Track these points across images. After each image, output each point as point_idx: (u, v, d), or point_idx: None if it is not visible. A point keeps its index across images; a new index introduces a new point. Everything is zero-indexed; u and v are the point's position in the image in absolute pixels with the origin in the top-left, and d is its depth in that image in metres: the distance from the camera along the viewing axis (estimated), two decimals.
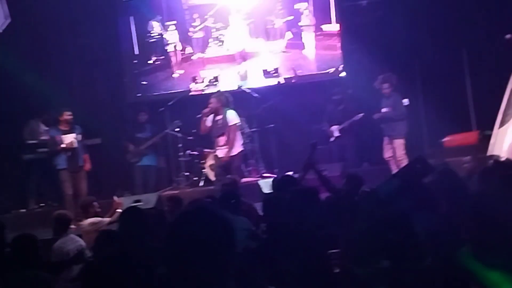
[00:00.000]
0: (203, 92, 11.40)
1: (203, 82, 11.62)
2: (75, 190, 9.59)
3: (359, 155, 10.88)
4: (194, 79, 11.65)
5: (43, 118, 10.29)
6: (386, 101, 9.90)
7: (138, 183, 10.61)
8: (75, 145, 9.63)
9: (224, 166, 9.20)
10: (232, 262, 1.90)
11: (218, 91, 9.95)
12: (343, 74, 11.36)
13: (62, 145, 9.52)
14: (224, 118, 9.14)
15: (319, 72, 11.57)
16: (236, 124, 9.26)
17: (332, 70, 11.45)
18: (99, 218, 7.34)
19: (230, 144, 9.16)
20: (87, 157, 9.89)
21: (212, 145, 9.62)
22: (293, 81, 11.35)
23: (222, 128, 9.16)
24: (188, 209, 1.98)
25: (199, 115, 9.39)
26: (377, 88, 9.88)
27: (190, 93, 11.47)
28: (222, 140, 9.20)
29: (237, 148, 9.30)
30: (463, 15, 10.76)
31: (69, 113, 9.71)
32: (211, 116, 9.19)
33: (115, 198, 8.01)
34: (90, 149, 10.33)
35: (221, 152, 9.26)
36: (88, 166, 9.89)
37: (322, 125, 10.73)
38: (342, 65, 11.36)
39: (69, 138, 9.58)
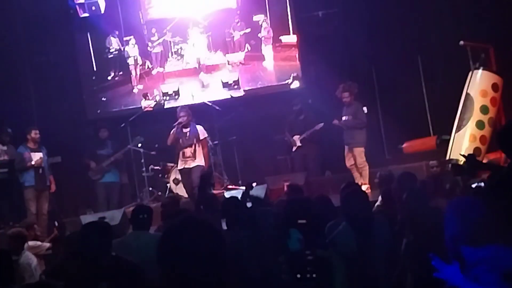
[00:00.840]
0: (166, 107, 11.40)
1: (154, 99, 11.62)
2: (38, 209, 9.54)
3: (321, 164, 11.00)
4: (145, 96, 11.66)
5: (1, 138, 10.13)
6: (347, 109, 10.03)
7: (101, 200, 10.52)
8: (43, 164, 9.61)
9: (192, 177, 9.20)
10: (224, 272, 1.91)
11: (182, 106, 9.92)
12: (296, 85, 11.46)
13: (31, 163, 9.53)
14: (193, 131, 9.29)
15: (278, 84, 11.68)
16: (206, 137, 9.52)
17: (290, 81, 11.58)
18: (39, 242, 7.25)
19: (204, 155, 9.38)
20: (52, 178, 9.86)
21: (174, 158, 9.62)
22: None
23: (189, 140, 9.30)
24: (178, 220, 1.99)
25: (174, 126, 9.30)
26: (338, 97, 10.01)
27: (144, 110, 11.42)
28: (188, 151, 9.31)
29: (206, 161, 9.48)
30: (418, 23, 11.02)
31: (36, 131, 9.69)
32: (178, 129, 9.27)
33: (56, 223, 7.91)
34: (51, 168, 10.23)
35: (189, 163, 9.27)
36: (53, 187, 9.86)
37: (283, 136, 10.82)
38: (293, 75, 11.48)
39: (37, 156, 9.58)
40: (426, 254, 2.73)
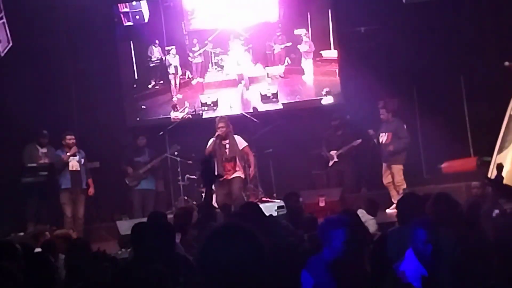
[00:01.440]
0: (204, 117, 11.45)
1: (183, 110, 11.69)
2: (73, 213, 9.72)
3: (357, 181, 10.92)
4: (174, 107, 11.74)
5: (39, 141, 10.34)
6: (386, 126, 9.97)
7: (136, 207, 10.62)
8: (78, 168, 9.80)
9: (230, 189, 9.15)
10: (264, 279, 1.90)
11: (221, 116, 9.92)
12: (328, 100, 11.40)
13: (69, 166, 9.79)
14: (233, 143, 9.18)
15: (316, 98, 11.64)
16: (247, 146, 9.42)
17: (323, 95, 11.52)
18: None
19: (252, 164, 9.42)
20: (91, 181, 10.08)
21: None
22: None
23: (231, 152, 9.18)
24: (221, 226, 1.98)
25: (213, 137, 9.27)
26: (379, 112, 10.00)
27: (172, 121, 11.48)
28: (229, 165, 9.18)
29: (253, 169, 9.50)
30: (461, 42, 10.88)
31: (70, 136, 9.89)
32: (215, 140, 9.16)
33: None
34: (90, 172, 10.39)
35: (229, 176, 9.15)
36: (91, 190, 10.08)
37: (320, 150, 10.77)
38: (326, 90, 11.43)
39: (73, 160, 9.77)
40: None
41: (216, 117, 9.78)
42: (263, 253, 1.93)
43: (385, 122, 9.93)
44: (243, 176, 9.29)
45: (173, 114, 11.74)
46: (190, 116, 11.56)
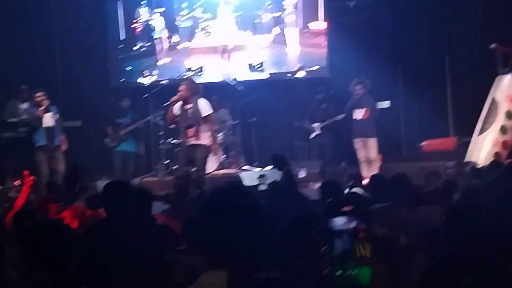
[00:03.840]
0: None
1: (150, 76, 11.62)
2: (51, 171, 9.63)
3: (338, 154, 11.00)
4: (141, 73, 11.65)
5: (19, 96, 10.22)
6: (361, 102, 10.02)
7: (116, 168, 10.59)
8: (52, 124, 9.67)
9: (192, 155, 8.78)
10: (263, 241, 1.95)
11: (188, 78, 9.66)
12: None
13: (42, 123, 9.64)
14: (196, 108, 8.68)
15: (303, 70, 11.65)
16: (210, 114, 8.85)
17: (316, 68, 11.54)
18: None
19: (212, 133, 8.85)
20: (63, 137, 9.93)
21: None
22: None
23: (192, 118, 8.69)
24: (222, 185, 2.02)
25: (167, 103, 9.06)
26: (350, 91, 10.05)
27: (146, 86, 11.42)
28: (191, 131, 8.69)
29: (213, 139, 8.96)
30: (449, 23, 10.95)
31: (39, 94, 9.73)
32: (179, 104, 8.73)
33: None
34: (70, 131, 10.32)
35: (191, 142, 8.77)
36: (64, 146, 9.92)
37: (303, 122, 10.83)
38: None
39: (46, 117, 9.64)
40: None
41: (185, 80, 9.34)
42: (262, 212, 1.98)
43: (360, 98, 9.99)
44: (208, 143, 8.77)
45: (140, 80, 11.65)
46: (163, 82, 11.38)
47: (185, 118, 8.73)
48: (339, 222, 2.00)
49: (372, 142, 10.00)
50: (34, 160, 9.69)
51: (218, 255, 1.91)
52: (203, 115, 8.69)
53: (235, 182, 2.59)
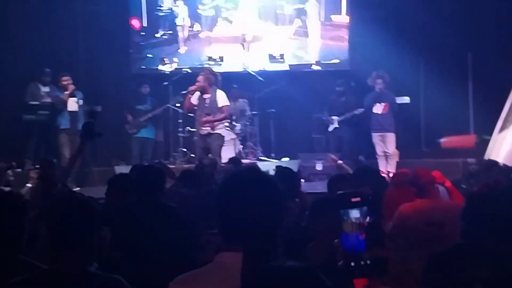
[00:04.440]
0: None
1: (170, 64, 11.63)
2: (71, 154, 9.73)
3: (356, 148, 10.96)
4: (162, 60, 11.66)
5: (42, 80, 10.32)
6: (381, 97, 10.02)
7: (134, 154, 10.64)
8: (76, 108, 9.78)
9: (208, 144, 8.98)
10: (280, 224, 1.95)
11: (207, 68, 9.71)
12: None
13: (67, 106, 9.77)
14: (213, 98, 8.87)
15: (324, 62, 11.62)
16: (227, 105, 9.03)
17: (337, 61, 11.51)
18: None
19: (215, 124, 8.95)
20: None
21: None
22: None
23: (209, 108, 8.85)
24: (240, 169, 2.04)
25: (185, 91, 9.17)
26: (369, 85, 10.03)
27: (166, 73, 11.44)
28: (207, 120, 8.88)
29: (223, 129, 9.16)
30: (473, 19, 10.83)
31: (66, 78, 9.86)
32: (197, 94, 8.89)
33: None
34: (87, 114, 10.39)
35: (207, 130, 8.95)
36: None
37: (322, 115, 10.80)
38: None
39: (71, 101, 9.74)
40: None
41: (204, 70, 9.41)
42: (280, 196, 1.97)
43: (380, 93, 9.97)
44: (223, 133, 9.06)
45: (160, 67, 11.67)
46: (185, 70, 11.38)
47: (202, 108, 8.87)
48: (353, 214, 1.98)
49: (391, 137, 9.99)
50: (57, 141, 9.83)
51: (234, 236, 1.92)
52: (219, 105, 8.85)
53: (255, 166, 2.62)
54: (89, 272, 2.50)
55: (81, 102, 9.98)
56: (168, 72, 11.52)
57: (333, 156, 9.24)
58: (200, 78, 8.85)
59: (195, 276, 1.96)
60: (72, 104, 9.86)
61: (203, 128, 8.91)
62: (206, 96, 8.85)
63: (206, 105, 8.84)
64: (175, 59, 11.75)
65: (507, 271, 2.63)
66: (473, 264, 2.28)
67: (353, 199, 2.03)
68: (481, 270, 2.46)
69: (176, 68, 11.62)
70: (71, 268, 2.46)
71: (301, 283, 1.39)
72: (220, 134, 9.00)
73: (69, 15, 11.50)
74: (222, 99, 8.90)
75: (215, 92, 8.89)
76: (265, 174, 2.01)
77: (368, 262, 1.77)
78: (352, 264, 1.82)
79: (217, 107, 8.85)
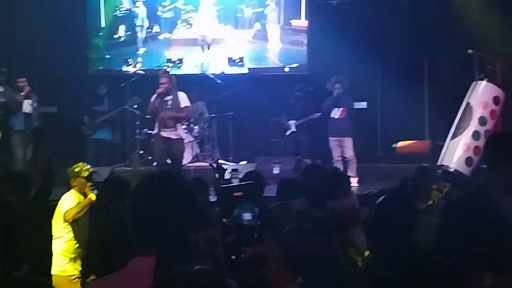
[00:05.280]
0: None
1: (135, 65, 11.57)
2: (25, 155, 9.57)
3: (314, 152, 11.03)
4: (126, 61, 11.59)
5: None
6: (339, 101, 10.08)
7: (90, 156, 10.53)
8: (31, 110, 9.63)
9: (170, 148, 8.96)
10: (194, 227, 1.98)
11: (165, 70, 9.67)
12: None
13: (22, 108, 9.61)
14: (175, 99, 8.86)
15: (282, 66, 11.68)
16: (188, 106, 9.07)
17: (296, 65, 11.57)
18: None
19: (178, 126, 8.97)
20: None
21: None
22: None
23: (172, 109, 8.83)
24: (152, 173, 2.04)
25: (155, 93, 9.03)
26: (328, 90, 10.10)
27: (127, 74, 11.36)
28: (170, 122, 8.84)
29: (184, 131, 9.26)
30: (429, 27, 11.01)
31: (22, 79, 9.71)
32: (160, 96, 8.84)
33: None
34: (45, 117, 10.24)
35: (170, 134, 8.91)
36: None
37: (280, 118, 10.84)
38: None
39: (26, 103, 9.60)
40: None
41: (162, 72, 9.33)
42: (193, 201, 2.00)
43: (338, 98, 10.05)
44: (184, 136, 9.16)
45: (125, 68, 11.59)
46: (141, 72, 11.34)
47: (164, 109, 8.84)
48: (245, 217, 2.13)
49: (348, 141, 10.06)
50: (10, 142, 9.65)
51: (146, 240, 1.92)
52: (182, 106, 8.88)
53: (170, 170, 2.65)
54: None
55: (35, 104, 9.82)
56: (127, 73, 11.41)
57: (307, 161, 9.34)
58: (164, 80, 8.82)
59: (107, 282, 1.95)
60: (27, 106, 9.69)
61: (165, 130, 8.87)
62: (168, 97, 8.85)
63: (168, 106, 8.83)
64: (139, 59, 11.65)
65: None
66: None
67: (235, 194, 2.14)
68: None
69: (139, 69, 11.53)
70: None
71: (207, 287, 1.40)
72: (181, 138, 9.01)
73: (26, 15, 11.31)
74: (184, 100, 8.96)
75: (176, 93, 8.92)
76: (179, 178, 2.02)
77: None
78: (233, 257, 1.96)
79: (179, 108, 8.88)
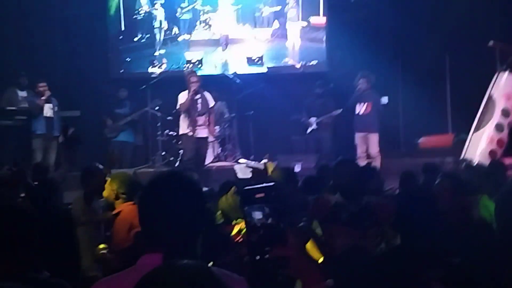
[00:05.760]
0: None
1: (161, 66, 11.70)
2: (45, 159, 9.67)
3: (335, 149, 10.97)
4: (152, 62, 11.68)
5: (19, 83, 10.27)
6: (363, 96, 9.96)
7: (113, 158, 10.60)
8: (52, 114, 9.80)
9: (199, 147, 9.15)
10: (202, 226, 1.97)
11: (192, 70, 9.86)
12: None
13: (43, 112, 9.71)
14: (204, 98, 9.09)
15: (302, 64, 11.65)
16: (214, 106, 9.38)
17: (315, 62, 11.54)
18: None
19: (211, 125, 9.24)
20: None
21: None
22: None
23: (202, 108, 9.07)
24: (161, 173, 2.05)
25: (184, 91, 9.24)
26: (355, 85, 10.01)
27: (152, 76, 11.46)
28: (201, 119, 9.11)
29: (213, 129, 9.42)
30: (449, 20, 10.89)
31: (42, 84, 9.80)
32: (190, 95, 9.03)
33: None
34: (68, 121, 10.33)
35: (202, 132, 9.15)
36: (61, 138, 9.95)
37: (300, 116, 10.81)
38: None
39: (47, 107, 9.71)
40: None
41: (190, 72, 9.62)
42: (201, 200, 2.00)
43: (363, 92, 9.92)
44: (210, 136, 9.36)
45: (151, 69, 11.70)
46: (171, 71, 11.50)
47: (195, 108, 9.04)
48: (256, 215, 2.12)
49: (373, 137, 9.91)
50: (31, 146, 9.76)
51: (155, 238, 1.93)
52: (210, 106, 9.15)
53: (178, 170, 2.69)
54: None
55: (56, 108, 9.92)
56: (152, 75, 11.50)
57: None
58: (195, 79, 9.04)
59: (116, 279, 1.96)
60: (48, 110, 9.80)
61: (199, 128, 9.08)
62: (197, 97, 9.03)
63: (198, 105, 9.04)
64: (164, 60, 11.74)
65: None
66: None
67: (257, 195, 2.13)
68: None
69: (164, 70, 11.63)
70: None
71: (194, 281, 1.40)
72: (208, 137, 9.30)
73: (47, 20, 11.47)
74: (211, 99, 9.20)
75: (203, 93, 9.11)
76: (188, 178, 2.02)
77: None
78: (257, 258, 1.94)
79: (209, 107, 9.12)
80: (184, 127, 9.20)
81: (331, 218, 3.93)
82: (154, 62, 11.73)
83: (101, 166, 5.72)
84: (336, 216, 3.94)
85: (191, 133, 9.10)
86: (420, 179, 5.98)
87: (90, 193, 5.41)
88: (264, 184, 2.28)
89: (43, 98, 9.81)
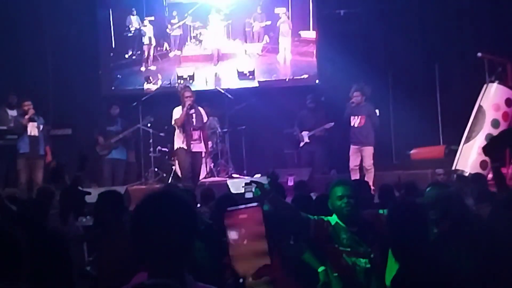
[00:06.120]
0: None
1: (156, 82, 11.73)
2: (29, 178, 9.61)
3: (328, 162, 11.00)
4: (147, 79, 11.72)
5: (8, 103, 10.25)
6: (358, 109, 9.91)
7: (106, 176, 10.59)
8: (36, 133, 9.71)
9: (194, 162, 9.19)
10: (192, 246, 1.99)
11: (186, 86, 9.89)
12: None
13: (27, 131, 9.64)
14: (198, 113, 9.16)
15: (293, 78, 11.70)
16: (207, 121, 9.49)
17: (306, 76, 11.59)
18: None
19: (205, 140, 9.29)
20: (48, 148, 9.95)
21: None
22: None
23: (197, 122, 9.14)
24: (153, 192, 2.05)
25: (187, 106, 9.16)
26: (350, 97, 9.99)
27: (145, 92, 11.49)
28: (196, 134, 9.17)
29: (207, 145, 9.45)
30: (439, 31, 10.98)
31: (27, 103, 9.74)
32: (184, 109, 9.06)
33: None
34: (60, 139, 10.34)
35: (196, 147, 9.19)
36: (48, 158, 9.93)
37: (292, 130, 10.84)
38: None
39: (31, 126, 9.65)
40: None
41: (184, 87, 9.66)
42: (192, 220, 2.00)
43: (358, 105, 9.90)
44: (204, 150, 9.35)
45: (146, 86, 11.73)
46: (163, 87, 11.54)
47: (190, 123, 9.11)
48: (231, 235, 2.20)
49: (368, 151, 9.81)
50: (15, 166, 9.71)
51: (145, 257, 1.94)
52: (204, 120, 9.26)
53: (169, 189, 2.67)
54: None
55: (41, 127, 9.86)
56: (144, 92, 11.52)
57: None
58: (190, 93, 9.11)
59: None
60: (32, 129, 9.71)
61: (193, 142, 9.14)
62: (192, 111, 9.11)
63: (193, 120, 9.12)
64: (159, 76, 11.77)
65: None
66: None
67: (240, 216, 2.21)
68: None
69: (160, 86, 11.66)
70: None
71: None
72: (202, 152, 9.32)
73: (37, 38, 11.50)
74: (204, 114, 9.29)
75: (197, 108, 9.21)
76: (180, 197, 2.02)
77: None
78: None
79: (203, 122, 9.22)
80: (179, 142, 9.21)
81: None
82: (149, 78, 11.76)
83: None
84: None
85: (186, 148, 9.12)
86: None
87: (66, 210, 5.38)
88: (249, 205, 2.30)
89: (26, 117, 9.73)
